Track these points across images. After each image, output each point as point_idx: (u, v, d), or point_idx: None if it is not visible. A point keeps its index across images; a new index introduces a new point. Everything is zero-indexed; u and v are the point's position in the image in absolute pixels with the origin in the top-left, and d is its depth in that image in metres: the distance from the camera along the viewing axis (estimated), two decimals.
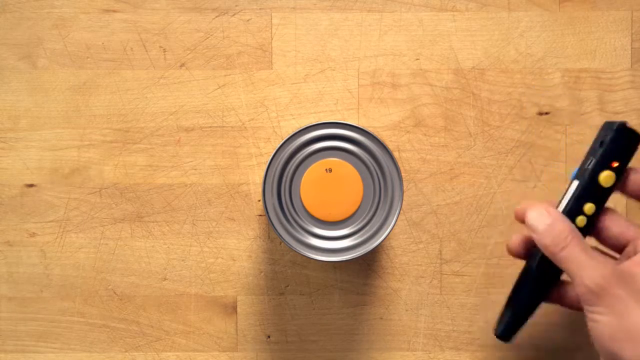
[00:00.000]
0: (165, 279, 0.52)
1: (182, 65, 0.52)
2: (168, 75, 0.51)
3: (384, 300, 0.52)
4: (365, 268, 0.52)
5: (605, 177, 0.41)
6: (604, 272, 0.39)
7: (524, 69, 0.51)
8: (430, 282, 0.52)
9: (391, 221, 0.43)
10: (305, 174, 0.43)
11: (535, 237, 0.41)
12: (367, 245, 0.43)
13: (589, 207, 0.41)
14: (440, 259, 0.52)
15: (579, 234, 0.40)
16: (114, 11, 0.51)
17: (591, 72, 0.51)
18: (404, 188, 0.51)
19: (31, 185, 0.52)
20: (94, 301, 0.52)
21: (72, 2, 0.51)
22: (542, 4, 0.51)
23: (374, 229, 0.43)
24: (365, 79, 0.51)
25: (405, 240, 0.52)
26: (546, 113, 0.51)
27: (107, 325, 0.52)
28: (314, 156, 0.43)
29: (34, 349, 0.52)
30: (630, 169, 0.42)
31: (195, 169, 0.52)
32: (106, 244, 0.52)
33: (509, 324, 0.44)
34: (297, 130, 0.43)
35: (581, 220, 0.42)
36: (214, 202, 0.52)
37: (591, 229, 0.42)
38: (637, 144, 0.41)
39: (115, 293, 0.52)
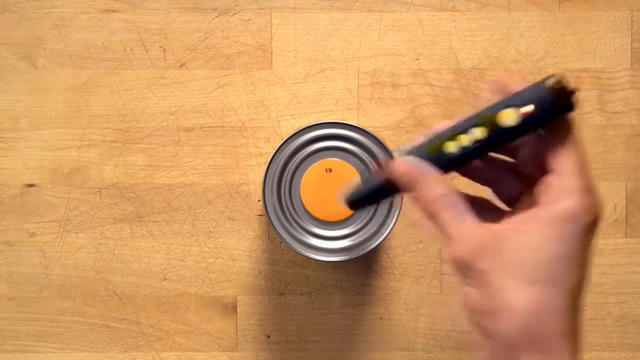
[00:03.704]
0: (165, 279, 0.52)
1: (182, 65, 0.52)
2: (168, 75, 0.52)
3: (384, 300, 0.52)
4: (365, 268, 0.52)
5: (507, 113, 0.34)
6: (472, 244, 0.34)
7: (524, 69, 0.51)
8: (430, 282, 0.52)
9: (391, 221, 0.43)
10: (305, 174, 0.43)
11: (402, 179, 0.36)
12: (366, 245, 0.43)
13: (480, 131, 0.34)
14: (440, 259, 0.52)
15: (453, 195, 0.35)
16: (114, 11, 0.51)
17: (591, 72, 0.51)
18: None
19: (31, 185, 0.52)
20: (94, 301, 0.52)
21: (72, 2, 0.51)
22: (542, 4, 0.51)
23: (374, 229, 0.43)
24: (365, 79, 0.51)
25: (405, 240, 0.52)
26: None
27: (107, 325, 0.52)
28: (314, 156, 0.43)
29: (34, 349, 0.52)
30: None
31: (195, 169, 0.52)
32: (106, 244, 0.52)
33: (358, 199, 0.37)
34: (297, 130, 0.43)
35: (465, 138, 0.35)
36: (214, 202, 0.52)
37: (474, 156, 0.35)
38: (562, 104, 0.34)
39: (115, 293, 0.52)
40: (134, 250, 0.52)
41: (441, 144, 0.35)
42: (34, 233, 0.52)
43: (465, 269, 0.35)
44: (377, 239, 0.43)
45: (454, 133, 0.35)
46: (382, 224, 0.43)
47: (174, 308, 0.52)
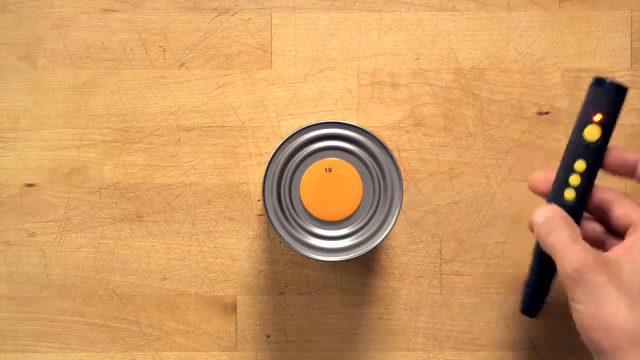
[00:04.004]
0: (165, 279, 0.52)
1: (182, 65, 0.52)
2: (168, 75, 0.52)
3: (384, 300, 0.52)
4: (365, 268, 0.52)
5: (590, 131, 0.42)
6: (583, 258, 0.39)
7: (524, 69, 0.51)
8: (430, 282, 0.52)
9: (391, 221, 0.43)
10: (305, 174, 0.43)
11: (535, 228, 0.43)
12: (367, 245, 0.43)
13: (579, 165, 0.42)
14: (440, 259, 0.52)
15: (569, 221, 0.41)
16: (114, 11, 0.51)
17: (591, 72, 0.51)
18: (404, 188, 0.51)
19: (31, 185, 0.52)
20: (94, 301, 0.52)
21: (72, 2, 0.51)
22: (542, 4, 0.51)
23: (374, 229, 0.43)
24: (365, 79, 0.51)
25: (405, 240, 0.52)
26: (546, 113, 0.51)
27: (107, 325, 0.52)
28: (314, 156, 0.43)
29: (34, 349, 0.52)
30: (611, 146, 0.42)
31: (195, 169, 0.52)
32: (106, 244, 0.52)
33: (531, 299, 0.45)
34: (297, 130, 0.43)
35: (575, 179, 0.42)
36: (214, 202, 0.52)
37: (588, 190, 0.42)
38: (617, 95, 0.42)
39: (115, 293, 0.52)
40: (134, 250, 0.52)
41: (559, 196, 0.43)
42: (34, 233, 0.52)
43: (577, 281, 0.39)
44: (377, 239, 0.43)
45: (564, 180, 0.42)
46: (382, 224, 0.43)
47: (174, 308, 0.52)
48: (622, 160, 0.42)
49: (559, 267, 0.40)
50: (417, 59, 0.51)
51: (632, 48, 0.51)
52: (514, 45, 0.51)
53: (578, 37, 0.51)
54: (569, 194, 0.42)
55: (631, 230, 0.41)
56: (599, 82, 0.42)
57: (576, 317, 0.40)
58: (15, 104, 0.52)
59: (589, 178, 0.42)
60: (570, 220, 0.41)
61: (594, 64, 0.51)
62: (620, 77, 0.51)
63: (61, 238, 0.52)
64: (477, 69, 0.51)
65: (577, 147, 0.42)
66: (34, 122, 0.52)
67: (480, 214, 0.52)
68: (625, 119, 0.51)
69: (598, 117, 0.42)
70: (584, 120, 0.42)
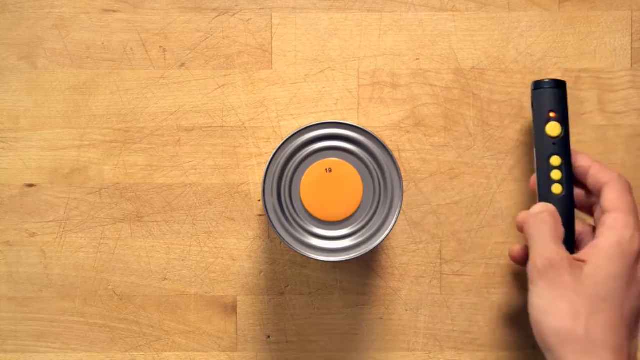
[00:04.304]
0: (165, 279, 0.52)
1: (182, 65, 0.52)
2: (168, 75, 0.52)
3: (384, 300, 0.52)
4: (365, 268, 0.52)
5: (551, 128, 0.46)
6: (555, 256, 0.42)
7: (524, 69, 0.51)
8: (430, 282, 0.52)
9: (391, 221, 0.43)
10: (305, 174, 0.43)
11: (526, 220, 0.45)
12: (367, 245, 0.43)
13: (555, 160, 0.46)
14: (440, 259, 0.52)
15: (557, 221, 0.44)
16: (114, 11, 0.51)
17: (591, 72, 0.51)
18: (404, 188, 0.51)
19: (31, 185, 0.52)
20: (94, 301, 0.52)
21: (72, 2, 0.51)
22: (542, 4, 0.51)
23: (374, 229, 0.43)
24: (365, 79, 0.51)
25: (405, 240, 0.52)
26: None
27: (107, 325, 0.52)
28: (314, 156, 0.43)
29: (34, 349, 0.52)
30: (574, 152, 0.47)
31: (195, 169, 0.52)
32: (106, 244, 0.52)
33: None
34: (297, 130, 0.43)
35: (556, 174, 0.46)
36: (214, 202, 0.52)
37: (571, 178, 0.46)
38: (561, 90, 0.47)
39: (115, 293, 0.52)
40: (134, 250, 0.52)
41: (548, 192, 0.47)
42: (34, 233, 0.52)
43: (542, 274, 0.42)
44: (377, 239, 0.43)
45: (546, 178, 0.46)
46: (382, 224, 0.43)
47: (174, 308, 0.52)
48: (575, 164, 0.46)
49: (531, 258, 0.43)
50: (417, 59, 0.51)
51: (632, 48, 0.51)
52: (514, 45, 0.51)
53: (578, 37, 0.51)
54: (557, 189, 0.46)
55: (603, 218, 0.44)
56: (540, 84, 0.47)
57: (531, 310, 0.42)
58: (15, 104, 0.52)
59: (567, 168, 0.46)
60: (559, 221, 0.44)
61: (594, 64, 0.51)
62: (620, 77, 0.51)
63: (61, 238, 0.52)
64: (477, 69, 0.51)
65: (547, 146, 0.46)
66: (34, 122, 0.52)
67: (480, 214, 0.52)
68: (625, 118, 0.51)
69: (552, 114, 0.47)
70: (542, 121, 0.47)
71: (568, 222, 0.46)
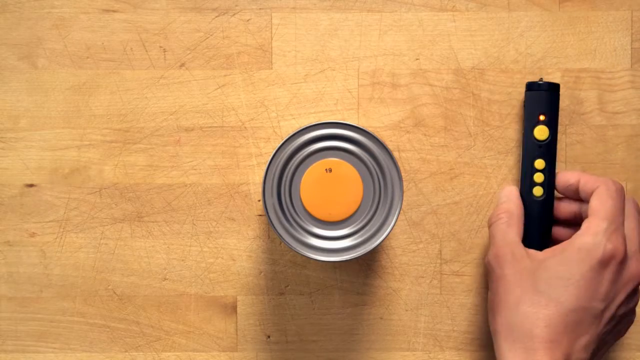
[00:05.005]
0: (165, 279, 0.52)
1: (182, 65, 0.52)
2: (168, 75, 0.52)
3: (384, 300, 0.52)
4: (365, 268, 0.52)
5: (539, 132, 0.48)
6: (502, 253, 0.45)
7: (524, 69, 0.51)
8: (430, 282, 0.52)
9: (391, 221, 0.43)
10: (305, 174, 0.43)
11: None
12: (367, 245, 0.43)
13: (538, 163, 0.48)
14: (440, 259, 0.52)
15: (514, 218, 0.47)
16: (114, 11, 0.51)
17: (591, 72, 0.51)
18: (404, 188, 0.51)
19: (31, 185, 0.52)
20: (94, 301, 0.52)
21: (72, 2, 0.51)
22: (542, 4, 0.51)
23: (374, 229, 0.43)
24: (365, 79, 0.51)
25: (405, 240, 0.52)
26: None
27: (107, 325, 0.52)
28: (314, 156, 0.43)
29: (34, 349, 0.52)
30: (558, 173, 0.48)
31: (195, 169, 0.52)
32: (106, 244, 0.52)
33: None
34: (297, 130, 0.43)
35: (538, 176, 0.48)
36: (214, 202, 0.52)
37: (552, 182, 0.48)
38: (553, 93, 0.48)
39: (115, 293, 0.52)
40: (134, 250, 0.52)
41: (529, 194, 0.48)
42: (34, 233, 0.52)
43: (491, 269, 0.46)
44: (377, 239, 0.43)
45: (529, 180, 0.48)
46: (382, 224, 0.43)
47: (174, 308, 0.52)
48: (565, 183, 0.47)
49: (487, 253, 0.47)
50: (417, 59, 0.51)
51: (632, 48, 0.51)
52: (514, 45, 0.51)
53: (578, 37, 0.51)
54: (537, 191, 0.48)
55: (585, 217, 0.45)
56: (533, 86, 0.48)
57: (488, 296, 0.47)
58: (15, 104, 0.52)
59: (550, 172, 0.48)
60: (516, 218, 0.47)
61: (594, 64, 0.51)
62: (620, 77, 0.51)
63: (61, 238, 0.52)
64: (477, 69, 0.51)
65: (533, 149, 0.48)
66: (34, 122, 0.52)
67: (480, 214, 0.52)
68: (625, 118, 0.51)
69: (542, 117, 0.48)
70: (531, 124, 0.48)
71: (546, 224, 0.48)
